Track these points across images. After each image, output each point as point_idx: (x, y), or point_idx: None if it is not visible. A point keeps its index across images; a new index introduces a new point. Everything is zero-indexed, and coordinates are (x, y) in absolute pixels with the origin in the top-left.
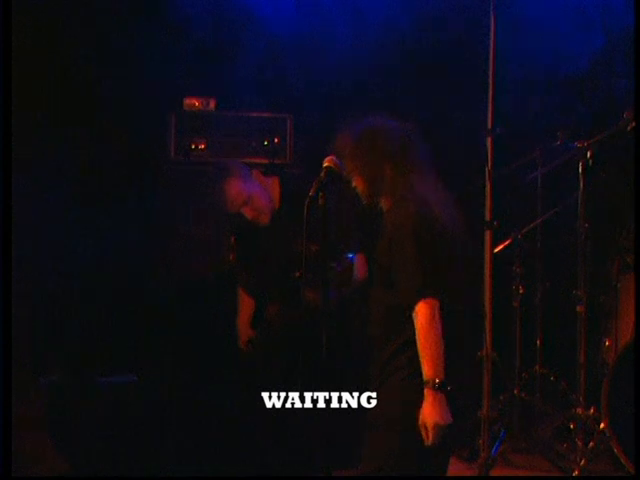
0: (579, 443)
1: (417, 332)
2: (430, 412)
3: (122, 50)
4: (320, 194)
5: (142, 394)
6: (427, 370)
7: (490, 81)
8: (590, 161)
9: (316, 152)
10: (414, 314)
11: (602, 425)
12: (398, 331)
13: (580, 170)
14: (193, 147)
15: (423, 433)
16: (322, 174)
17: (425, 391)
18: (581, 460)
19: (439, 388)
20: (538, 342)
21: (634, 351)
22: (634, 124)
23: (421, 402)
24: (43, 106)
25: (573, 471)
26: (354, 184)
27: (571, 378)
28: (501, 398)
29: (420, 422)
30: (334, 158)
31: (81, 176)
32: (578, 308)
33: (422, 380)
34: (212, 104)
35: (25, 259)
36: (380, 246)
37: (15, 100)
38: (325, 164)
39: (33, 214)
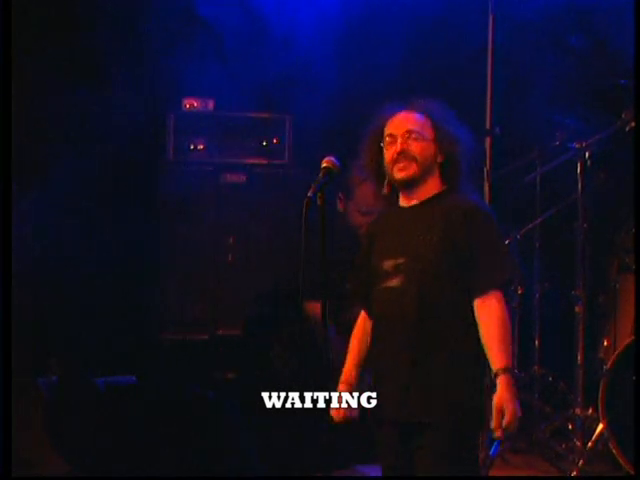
0: (577, 443)
1: (492, 319)
2: (511, 399)
3: (121, 50)
4: (319, 195)
5: (141, 394)
6: (504, 357)
7: (489, 81)
8: (588, 161)
9: (315, 153)
10: (484, 301)
11: (600, 426)
12: (460, 325)
13: (578, 170)
14: (192, 148)
15: (497, 418)
16: (320, 175)
17: (504, 378)
18: (579, 460)
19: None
20: (537, 342)
21: (633, 351)
22: (633, 124)
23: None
24: (42, 106)
25: (571, 471)
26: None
27: (569, 378)
28: None
29: (499, 408)
30: (332, 159)
31: (80, 177)
32: (576, 308)
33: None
34: (211, 105)
35: (24, 259)
36: (436, 236)
37: (14, 100)
38: (323, 165)
39: (31, 214)
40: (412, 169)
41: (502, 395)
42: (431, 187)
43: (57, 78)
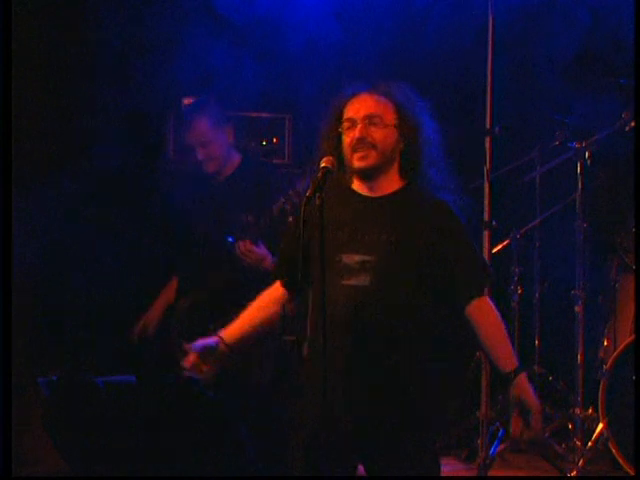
0: (577, 443)
1: (488, 324)
2: (533, 396)
3: (120, 50)
4: (317, 194)
5: (141, 394)
6: (513, 358)
7: (489, 80)
8: (588, 161)
9: (315, 152)
10: (479, 307)
11: (600, 426)
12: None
13: (578, 170)
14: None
15: (526, 419)
16: (319, 174)
17: (522, 377)
18: (579, 460)
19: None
20: (536, 342)
21: (633, 351)
22: (633, 124)
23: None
24: (42, 106)
25: (571, 471)
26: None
27: (569, 378)
28: (499, 398)
29: (527, 408)
30: (331, 158)
31: (80, 177)
32: (576, 308)
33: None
34: None
35: (24, 259)
36: (408, 236)
37: (14, 100)
38: (322, 164)
39: (30, 214)
40: (372, 158)
41: (529, 396)
42: (393, 177)
43: (57, 78)
